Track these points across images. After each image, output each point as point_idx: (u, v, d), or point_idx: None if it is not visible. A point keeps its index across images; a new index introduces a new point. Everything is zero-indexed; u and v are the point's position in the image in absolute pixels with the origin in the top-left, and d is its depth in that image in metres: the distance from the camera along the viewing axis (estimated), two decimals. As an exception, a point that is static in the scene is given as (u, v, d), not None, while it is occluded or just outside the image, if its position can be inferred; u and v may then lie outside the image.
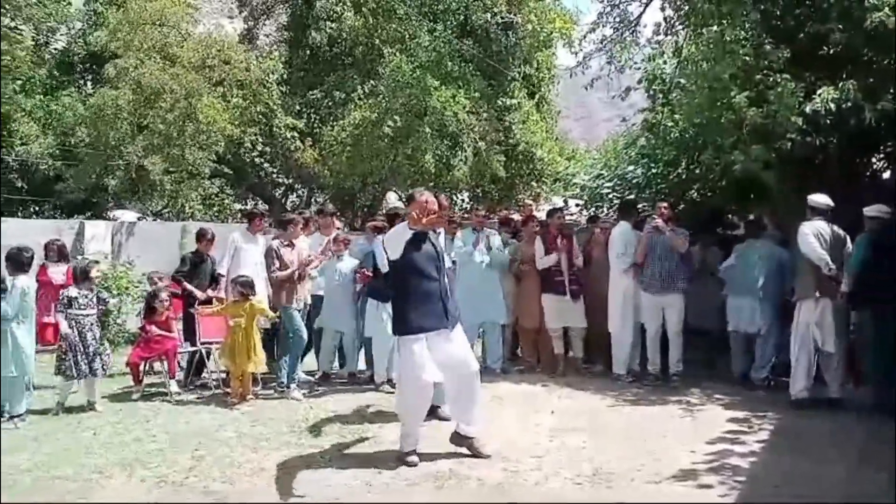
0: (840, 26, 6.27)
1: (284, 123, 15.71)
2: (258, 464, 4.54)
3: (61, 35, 18.68)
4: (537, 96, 16.09)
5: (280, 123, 15.75)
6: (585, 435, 5.12)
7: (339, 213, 9.52)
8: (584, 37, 9.83)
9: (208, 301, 7.06)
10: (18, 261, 5.74)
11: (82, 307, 5.99)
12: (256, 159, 16.44)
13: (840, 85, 6.12)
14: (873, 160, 8.09)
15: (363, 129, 13.74)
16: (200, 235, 7.47)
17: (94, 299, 6.14)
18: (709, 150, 7.38)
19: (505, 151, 14.50)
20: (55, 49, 18.74)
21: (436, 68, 13.34)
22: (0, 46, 13.60)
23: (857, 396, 6.03)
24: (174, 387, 6.60)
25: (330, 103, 16.72)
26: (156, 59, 13.73)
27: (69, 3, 18.02)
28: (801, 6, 6.94)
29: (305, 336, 6.67)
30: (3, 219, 10.52)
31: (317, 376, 7.19)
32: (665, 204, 7.25)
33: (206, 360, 7.01)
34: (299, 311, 6.62)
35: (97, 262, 6.91)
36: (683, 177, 8.77)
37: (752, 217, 7.82)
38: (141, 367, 6.76)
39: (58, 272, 8.04)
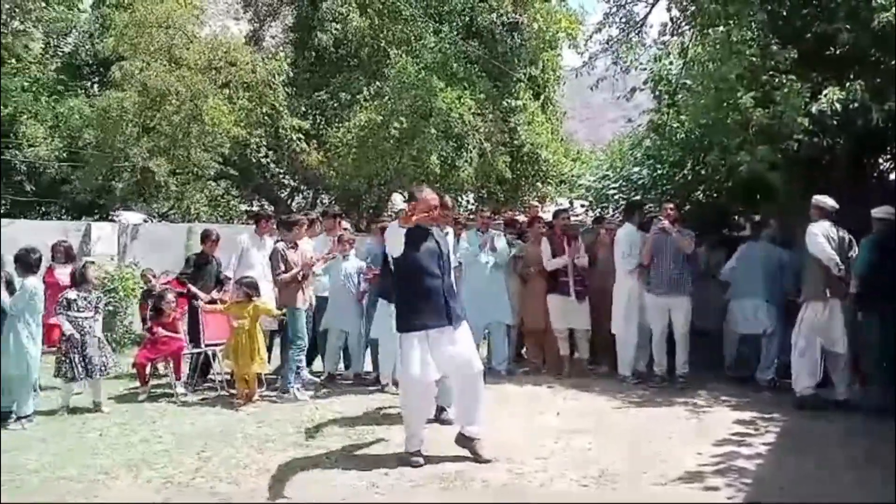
0: (847, 27, 6.24)
1: (290, 125, 15.74)
2: (264, 464, 4.55)
3: (70, 40, 18.78)
4: (543, 97, 16.08)
5: (286, 125, 15.78)
6: (591, 436, 5.11)
7: (344, 215, 9.51)
8: (590, 37, 9.79)
9: (213, 304, 7.06)
10: (27, 262, 5.78)
11: (81, 309, 6.02)
12: (262, 160, 16.47)
13: (847, 85, 6.10)
14: (880, 161, 8.06)
15: (369, 131, 13.75)
16: (205, 236, 7.48)
17: (94, 301, 6.16)
18: (715, 150, 7.36)
19: (510, 152, 14.51)
20: (63, 52, 18.85)
21: (441, 69, 13.36)
22: (0, 46, 13.67)
23: (864, 398, 6.00)
24: (180, 388, 6.62)
25: (336, 104, 16.75)
26: (162, 61, 13.78)
27: (79, 9, 18.12)
28: (807, 6, 6.91)
29: (306, 341, 6.66)
30: (12, 220, 10.57)
31: (322, 377, 7.20)
32: (671, 205, 7.22)
33: (212, 362, 7.02)
34: (305, 311, 6.62)
35: (93, 262, 6.93)
36: (689, 178, 8.75)
37: (757, 218, 7.80)
38: (147, 369, 6.78)
39: (65, 274, 8.03)
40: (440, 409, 5.27)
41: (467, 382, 4.65)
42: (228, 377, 6.82)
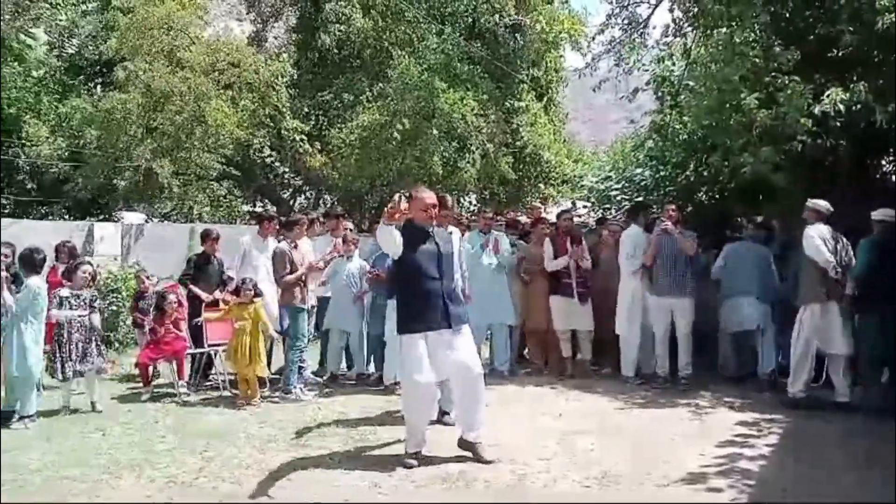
0: (850, 28, 6.24)
1: (292, 126, 15.74)
2: (266, 464, 4.55)
3: (73, 41, 18.81)
4: (545, 98, 16.08)
5: (288, 126, 15.78)
6: (594, 437, 5.11)
7: (347, 215, 9.52)
8: (593, 38, 9.81)
9: (215, 302, 7.07)
10: (31, 262, 5.81)
11: (73, 307, 6.03)
12: (266, 160, 16.47)
13: (850, 87, 6.10)
14: (883, 162, 8.06)
15: (371, 132, 13.73)
16: (205, 236, 7.49)
17: (88, 299, 6.17)
18: (717, 152, 7.36)
19: (513, 153, 14.50)
20: (66, 53, 18.88)
21: (444, 71, 13.34)
22: (1, 47, 13.69)
23: (865, 400, 5.99)
24: (183, 388, 6.62)
25: (338, 105, 16.73)
26: (164, 62, 13.79)
27: (83, 11, 18.16)
28: (810, 8, 6.92)
29: (305, 343, 6.65)
30: (16, 220, 10.59)
31: (325, 377, 7.20)
32: (673, 206, 7.23)
33: (214, 362, 7.03)
34: (307, 311, 6.62)
35: (89, 262, 6.92)
36: (692, 179, 8.75)
37: (759, 219, 7.80)
38: (150, 369, 6.79)
39: (68, 274, 8.09)
40: (442, 412, 5.27)
41: (467, 385, 4.63)
42: (231, 377, 6.83)
